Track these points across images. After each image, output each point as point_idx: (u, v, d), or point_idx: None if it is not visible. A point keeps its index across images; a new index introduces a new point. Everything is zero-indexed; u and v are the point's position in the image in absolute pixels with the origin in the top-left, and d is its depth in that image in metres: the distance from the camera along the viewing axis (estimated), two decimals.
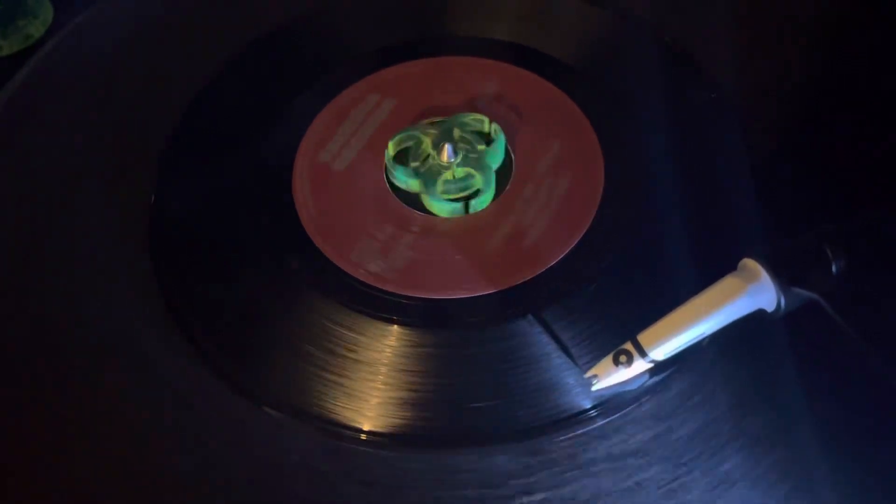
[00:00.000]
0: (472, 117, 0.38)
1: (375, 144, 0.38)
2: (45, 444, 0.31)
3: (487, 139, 0.38)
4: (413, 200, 0.37)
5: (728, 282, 0.30)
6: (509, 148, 0.38)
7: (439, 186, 0.36)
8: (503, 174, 0.37)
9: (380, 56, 0.42)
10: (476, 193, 0.36)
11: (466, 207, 0.36)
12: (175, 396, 0.31)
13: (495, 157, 0.37)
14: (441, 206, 0.36)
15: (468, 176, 0.37)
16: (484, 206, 0.36)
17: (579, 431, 0.30)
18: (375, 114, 0.40)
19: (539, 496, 0.28)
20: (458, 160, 0.37)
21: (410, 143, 0.38)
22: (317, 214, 0.36)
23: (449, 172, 0.37)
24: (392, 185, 0.37)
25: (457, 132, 0.37)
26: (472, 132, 0.38)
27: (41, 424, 0.31)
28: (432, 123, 0.39)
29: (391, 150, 0.38)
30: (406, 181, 0.37)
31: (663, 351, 0.29)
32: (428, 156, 0.37)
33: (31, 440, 0.31)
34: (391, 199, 0.37)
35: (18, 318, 0.34)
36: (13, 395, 0.32)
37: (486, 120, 0.38)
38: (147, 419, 0.31)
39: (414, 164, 0.37)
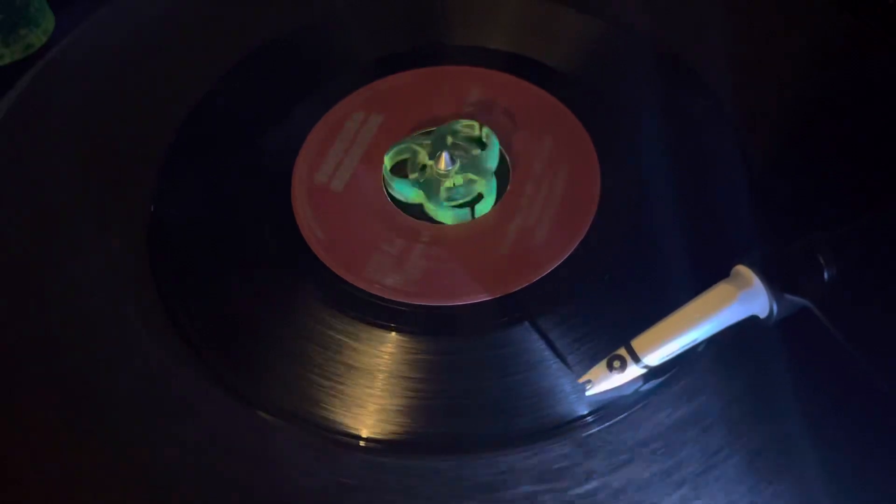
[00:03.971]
0: (462, 124, 0.38)
1: (371, 159, 0.39)
2: (43, 446, 0.31)
3: (481, 144, 0.38)
4: (414, 211, 0.37)
5: (721, 288, 0.30)
6: (506, 156, 0.38)
7: (442, 194, 0.37)
8: (500, 184, 0.38)
9: (372, 68, 0.43)
10: (479, 197, 0.37)
11: (473, 212, 0.37)
12: (174, 402, 0.32)
13: (492, 160, 0.38)
14: (446, 214, 0.36)
15: (469, 181, 0.37)
16: (489, 208, 0.37)
17: (575, 437, 0.30)
18: (363, 131, 0.40)
19: (537, 501, 0.29)
20: (457, 167, 0.37)
21: (407, 156, 0.38)
22: (324, 237, 0.36)
23: (449, 180, 0.37)
24: (393, 198, 0.38)
25: (449, 139, 0.38)
26: (465, 138, 0.38)
27: (41, 427, 0.31)
28: (425, 133, 0.39)
29: (388, 163, 0.38)
30: (406, 194, 0.37)
31: (657, 356, 0.30)
32: (425, 166, 0.38)
33: (30, 442, 0.31)
34: (396, 213, 0.37)
35: (19, 322, 0.34)
36: (15, 395, 0.32)
37: (477, 124, 0.38)
38: (147, 424, 0.31)
39: (413, 176, 0.37)
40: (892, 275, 0.30)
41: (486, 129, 0.38)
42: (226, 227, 0.37)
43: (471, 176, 0.37)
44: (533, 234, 0.36)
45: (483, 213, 0.37)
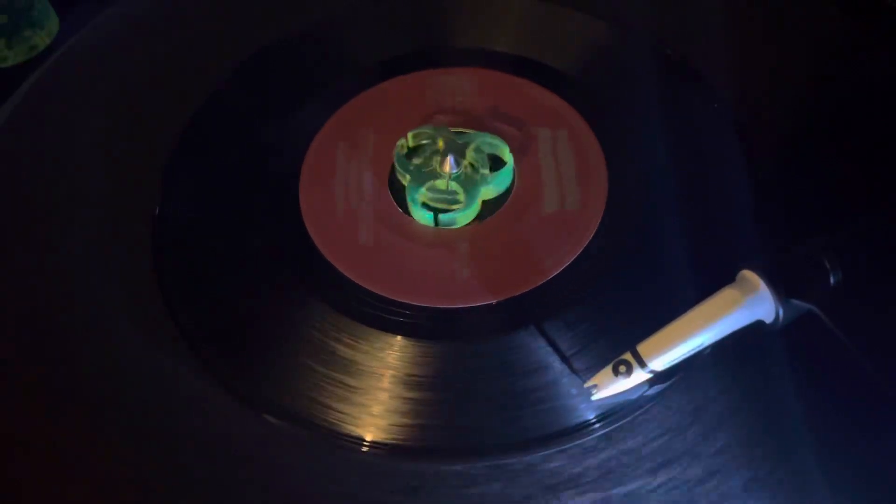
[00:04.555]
0: (492, 139, 0.38)
1: (374, 162, 0.39)
2: (45, 447, 0.31)
3: (497, 164, 0.38)
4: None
5: (727, 293, 0.30)
6: (512, 158, 0.38)
7: (423, 190, 0.36)
8: (486, 210, 0.37)
9: (376, 70, 0.43)
10: (450, 211, 0.36)
11: (436, 220, 0.36)
12: (178, 404, 0.32)
13: (495, 184, 0.37)
14: (415, 210, 0.37)
15: (453, 192, 0.37)
16: (454, 225, 0.36)
17: (581, 441, 0.30)
18: (368, 132, 0.40)
19: None
20: (454, 175, 0.37)
21: (426, 141, 0.38)
22: (328, 238, 0.36)
23: (442, 182, 0.37)
24: (398, 201, 0.37)
25: (472, 148, 0.37)
26: (486, 154, 0.38)
27: (43, 428, 0.31)
28: (457, 132, 0.39)
29: (410, 140, 0.38)
30: (403, 174, 0.37)
31: (662, 361, 0.30)
32: (433, 159, 0.37)
33: (32, 443, 0.31)
34: (401, 216, 0.37)
35: (22, 323, 0.34)
36: (17, 396, 0.32)
37: (507, 148, 0.38)
38: (150, 426, 0.31)
39: (416, 161, 0.37)
40: None
41: (510, 155, 0.37)
42: (230, 229, 0.37)
43: (459, 189, 0.37)
44: (539, 236, 0.36)
45: (447, 227, 0.36)
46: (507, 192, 0.38)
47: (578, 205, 0.36)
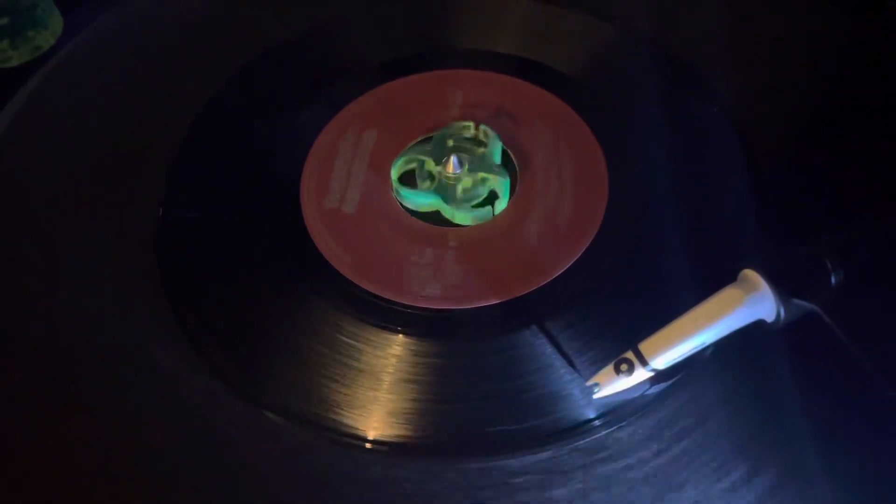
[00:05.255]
0: (459, 126, 0.39)
1: (378, 164, 0.39)
2: (49, 446, 0.31)
3: (480, 142, 0.38)
4: (421, 216, 0.37)
5: (728, 292, 0.30)
6: (513, 158, 0.38)
7: (460, 196, 0.37)
8: (511, 180, 0.38)
9: (379, 71, 0.43)
10: (494, 194, 0.37)
11: (493, 209, 0.37)
12: (182, 403, 0.32)
13: (495, 155, 0.38)
14: (466, 216, 0.37)
15: (481, 179, 0.37)
16: (505, 204, 0.37)
17: (583, 440, 0.30)
18: (370, 133, 0.40)
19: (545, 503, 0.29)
20: (465, 169, 0.37)
21: (413, 166, 0.38)
22: (331, 238, 0.36)
23: (462, 182, 0.37)
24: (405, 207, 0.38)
25: (450, 142, 0.38)
26: (465, 139, 0.38)
27: (46, 428, 0.31)
28: (424, 141, 0.39)
29: (394, 175, 0.38)
30: (418, 202, 0.37)
31: (664, 360, 0.30)
32: (433, 173, 0.38)
33: (35, 443, 0.31)
34: (402, 216, 0.37)
35: (27, 323, 0.34)
36: (21, 395, 0.32)
37: (472, 124, 0.38)
38: (154, 424, 0.31)
39: (425, 185, 0.37)
40: None
41: (483, 127, 0.38)
42: (232, 229, 0.37)
43: (482, 175, 0.37)
44: (541, 237, 0.36)
45: (502, 210, 0.37)
46: (514, 183, 0.38)
47: (581, 205, 0.37)
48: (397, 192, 0.37)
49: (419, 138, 0.40)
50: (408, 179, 0.38)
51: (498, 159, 0.38)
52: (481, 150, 0.38)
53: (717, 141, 0.39)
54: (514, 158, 0.38)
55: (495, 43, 0.44)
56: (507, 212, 0.37)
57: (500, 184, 0.37)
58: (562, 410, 0.31)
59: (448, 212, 0.37)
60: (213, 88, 0.42)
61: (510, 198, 0.37)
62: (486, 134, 0.38)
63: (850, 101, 0.40)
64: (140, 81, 0.43)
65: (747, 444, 0.29)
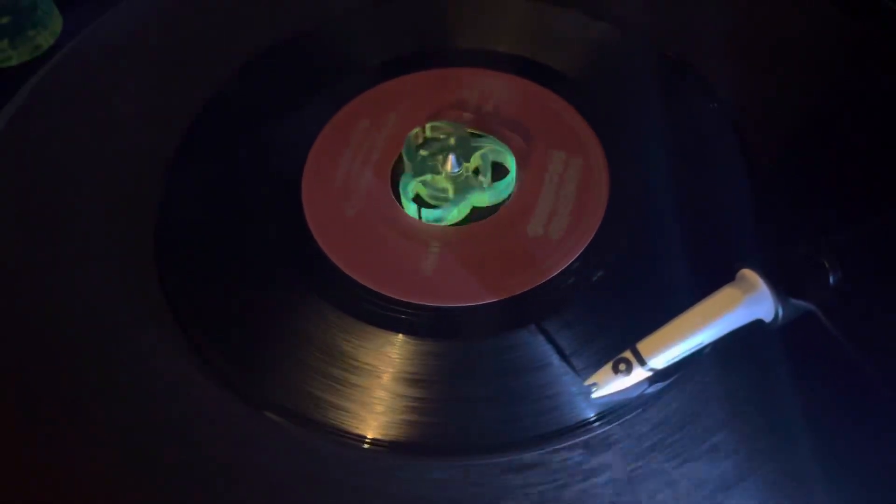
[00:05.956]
0: (502, 147, 0.38)
1: (377, 161, 0.39)
2: (47, 447, 0.31)
3: (500, 170, 0.38)
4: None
5: (726, 292, 0.30)
6: (513, 158, 0.38)
7: (417, 181, 0.37)
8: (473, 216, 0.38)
9: (378, 70, 0.43)
10: (436, 208, 0.36)
11: (419, 213, 0.37)
12: (180, 402, 0.32)
13: (492, 194, 0.37)
14: (404, 199, 0.37)
15: (444, 190, 0.37)
16: (439, 223, 0.36)
17: (580, 439, 0.30)
18: (370, 134, 0.40)
19: (543, 503, 0.29)
20: (452, 175, 0.37)
21: (441, 136, 0.38)
22: (331, 238, 0.36)
23: (439, 178, 0.37)
24: (398, 197, 0.38)
25: (480, 154, 0.38)
26: (490, 161, 0.38)
27: (44, 428, 0.31)
28: (472, 133, 0.39)
29: (427, 131, 0.38)
30: (450, 216, 0.37)
31: (662, 359, 0.30)
32: (440, 154, 0.37)
33: (33, 443, 0.31)
34: (401, 214, 0.37)
35: (24, 323, 0.34)
36: (20, 396, 0.32)
37: (513, 160, 0.38)
38: (152, 424, 0.31)
39: (423, 153, 0.37)
40: None
41: (514, 164, 0.37)
42: (232, 228, 0.37)
43: (451, 189, 0.37)
44: (540, 236, 0.36)
45: (426, 220, 0.36)
46: (504, 202, 0.37)
47: (580, 204, 0.37)
48: (424, 219, 0.37)
49: (475, 130, 0.39)
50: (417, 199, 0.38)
51: (490, 199, 0.37)
52: (483, 180, 0.37)
53: (717, 140, 0.39)
54: (514, 156, 0.38)
55: (495, 42, 0.44)
56: (507, 211, 0.37)
57: (452, 211, 0.36)
58: (560, 410, 0.31)
59: (478, 200, 0.37)
60: (213, 88, 0.42)
61: (459, 224, 0.37)
62: (434, 128, 0.38)
63: (850, 100, 0.40)
64: (140, 81, 0.43)
65: (745, 443, 0.29)
